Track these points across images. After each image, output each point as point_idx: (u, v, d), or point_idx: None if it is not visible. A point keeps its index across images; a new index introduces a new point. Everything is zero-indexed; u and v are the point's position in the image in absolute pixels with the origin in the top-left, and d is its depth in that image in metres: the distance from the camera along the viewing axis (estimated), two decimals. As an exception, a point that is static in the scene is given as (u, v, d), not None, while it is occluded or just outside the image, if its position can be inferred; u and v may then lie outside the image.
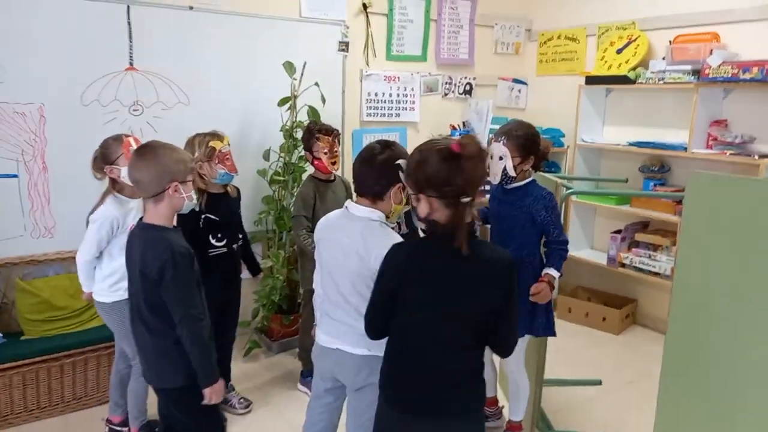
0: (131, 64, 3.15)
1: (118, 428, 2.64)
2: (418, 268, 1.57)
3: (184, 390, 1.91)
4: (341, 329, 1.89)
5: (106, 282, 2.42)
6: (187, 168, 1.91)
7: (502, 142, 2.30)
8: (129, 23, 3.10)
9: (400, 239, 1.81)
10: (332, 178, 3.03)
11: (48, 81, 2.94)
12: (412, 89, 4.23)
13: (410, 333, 1.60)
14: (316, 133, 2.93)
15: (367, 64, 4.02)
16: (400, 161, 1.77)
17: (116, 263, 2.38)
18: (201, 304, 1.90)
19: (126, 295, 2.38)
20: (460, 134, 4.21)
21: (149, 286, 1.84)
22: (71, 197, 3.06)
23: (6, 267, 2.96)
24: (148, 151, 1.88)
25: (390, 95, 4.14)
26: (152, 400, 2.51)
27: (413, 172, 1.54)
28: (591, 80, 3.96)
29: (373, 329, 1.70)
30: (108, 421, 2.66)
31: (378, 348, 1.76)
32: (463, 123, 4.38)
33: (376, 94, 4.08)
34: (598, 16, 4.13)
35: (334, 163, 2.97)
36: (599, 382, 3.22)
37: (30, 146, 2.97)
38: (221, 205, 2.71)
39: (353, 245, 1.81)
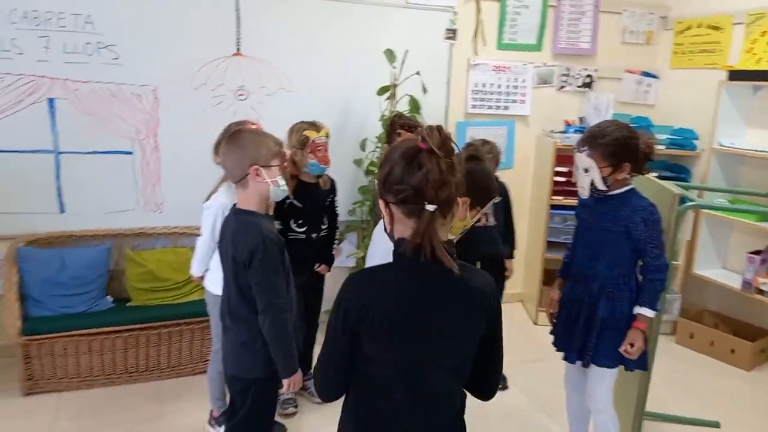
0: (238, 49, 3.24)
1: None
2: (393, 300, 1.22)
3: (258, 381, 1.93)
4: None
5: (218, 273, 2.42)
6: (271, 153, 1.88)
7: (585, 153, 1.98)
8: (237, 9, 3.18)
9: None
10: None
11: (161, 65, 3.11)
12: (524, 81, 3.95)
13: (386, 385, 1.27)
14: (397, 127, 2.82)
15: (476, 53, 3.81)
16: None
17: None
18: (287, 296, 1.88)
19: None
20: (574, 131, 3.88)
21: (239, 271, 1.85)
22: (180, 176, 3.22)
23: (119, 237, 3.20)
24: (234, 136, 1.90)
25: (499, 86, 3.90)
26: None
27: (378, 173, 1.26)
28: (735, 75, 3.43)
29: (330, 389, 1.32)
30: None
31: None
32: (580, 119, 4.02)
33: (483, 85, 3.86)
34: (749, 0, 3.56)
35: None
36: (717, 425, 2.79)
37: (144, 126, 3.16)
38: (309, 194, 2.71)
39: None
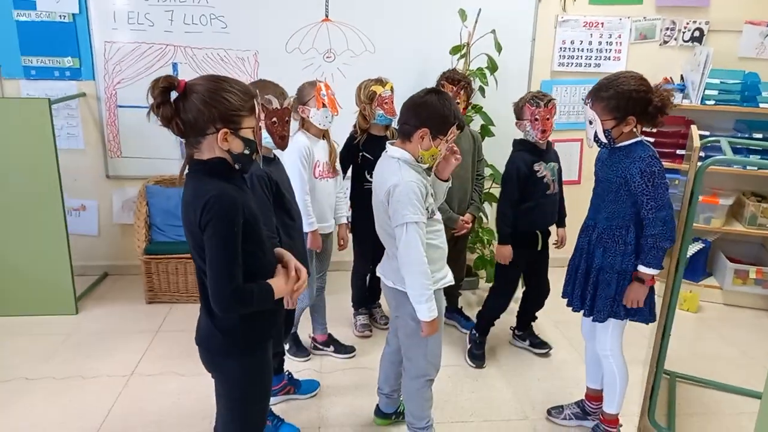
0: (327, 15, 3.56)
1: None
2: None
3: None
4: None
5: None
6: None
7: (588, 104, 1.98)
8: (327, -22, 3.50)
9: (411, 178, 1.81)
10: None
11: (261, 32, 3.55)
12: (619, 36, 3.77)
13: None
14: (442, 80, 2.93)
15: (564, 10, 3.72)
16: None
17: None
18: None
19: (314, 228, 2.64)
20: (674, 87, 3.63)
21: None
22: (277, 131, 3.67)
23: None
24: None
25: (590, 43, 3.77)
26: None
27: None
28: None
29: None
30: (313, 339, 3.04)
31: (401, 283, 1.88)
32: (681, 76, 3.75)
33: (572, 42, 3.77)
34: None
35: None
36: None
37: (247, 86, 3.65)
38: (378, 146, 2.95)
39: (376, 179, 1.95)
